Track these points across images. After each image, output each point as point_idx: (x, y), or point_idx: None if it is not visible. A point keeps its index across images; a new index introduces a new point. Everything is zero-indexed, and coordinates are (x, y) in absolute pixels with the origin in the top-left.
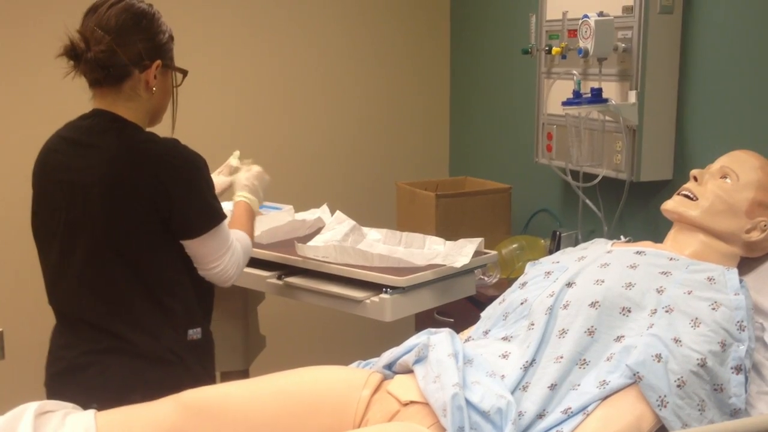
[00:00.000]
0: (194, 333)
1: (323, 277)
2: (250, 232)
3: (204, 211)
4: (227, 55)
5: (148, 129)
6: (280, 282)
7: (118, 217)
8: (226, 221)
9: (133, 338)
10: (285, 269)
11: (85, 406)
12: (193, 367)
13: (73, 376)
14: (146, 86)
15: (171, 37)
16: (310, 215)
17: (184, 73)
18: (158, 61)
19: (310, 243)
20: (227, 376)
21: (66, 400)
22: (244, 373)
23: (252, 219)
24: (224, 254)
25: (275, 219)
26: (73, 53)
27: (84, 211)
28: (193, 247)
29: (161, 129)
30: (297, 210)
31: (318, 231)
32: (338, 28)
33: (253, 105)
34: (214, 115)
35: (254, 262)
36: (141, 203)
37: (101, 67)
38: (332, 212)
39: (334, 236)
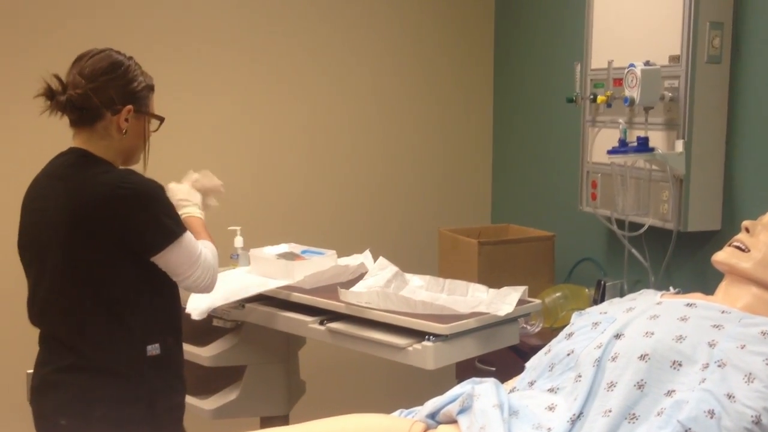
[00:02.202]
0: (153, 349)
1: (366, 323)
2: (210, 238)
3: (158, 231)
4: (278, 97)
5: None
6: (322, 327)
7: (79, 242)
8: (188, 237)
9: (94, 355)
10: (327, 315)
11: (55, 425)
12: (152, 381)
13: (46, 393)
14: (118, 128)
15: (149, 87)
16: (353, 261)
17: (161, 119)
18: (129, 106)
19: (353, 289)
20: (267, 422)
21: (42, 415)
22: (284, 419)
23: (201, 226)
24: (194, 264)
25: (318, 264)
26: (49, 93)
27: (51, 236)
28: (161, 263)
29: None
30: (340, 255)
31: (361, 277)
32: (383, 75)
33: (298, 151)
34: (261, 159)
35: (296, 307)
36: (99, 228)
37: (77, 108)
38: (375, 258)
39: (377, 282)
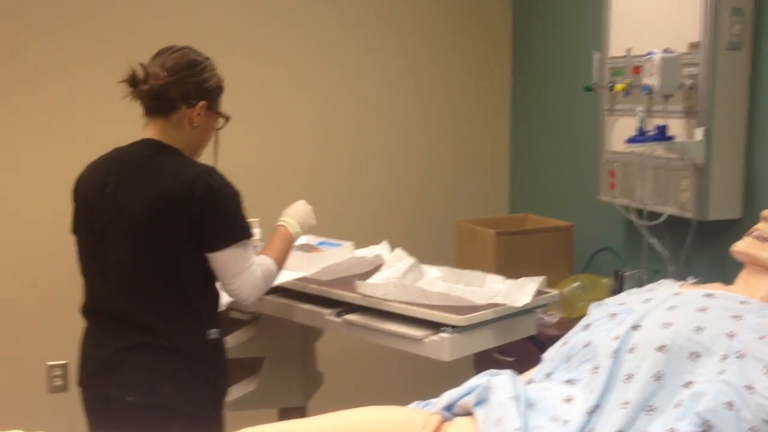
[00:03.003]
0: (214, 333)
1: (382, 314)
2: (278, 257)
3: (225, 229)
4: (295, 90)
5: None
6: (338, 319)
7: (158, 226)
8: (250, 245)
9: (165, 332)
10: (344, 306)
11: (121, 401)
12: (214, 363)
13: (109, 374)
14: (190, 121)
15: (220, 87)
16: (369, 252)
17: (227, 118)
18: (203, 102)
19: (370, 280)
20: (285, 413)
21: (102, 396)
22: (301, 410)
23: (285, 243)
24: (241, 273)
25: (335, 256)
26: (133, 81)
27: (129, 220)
28: (213, 261)
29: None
30: (357, 246)
31: (377, 268)
32: (399, 66)
33: (315, 143)
34: (278, 151)
35: (313, 299)
36: (177, 216)
37: (155, 98)
38: (392, 249)
39: (394, 274)
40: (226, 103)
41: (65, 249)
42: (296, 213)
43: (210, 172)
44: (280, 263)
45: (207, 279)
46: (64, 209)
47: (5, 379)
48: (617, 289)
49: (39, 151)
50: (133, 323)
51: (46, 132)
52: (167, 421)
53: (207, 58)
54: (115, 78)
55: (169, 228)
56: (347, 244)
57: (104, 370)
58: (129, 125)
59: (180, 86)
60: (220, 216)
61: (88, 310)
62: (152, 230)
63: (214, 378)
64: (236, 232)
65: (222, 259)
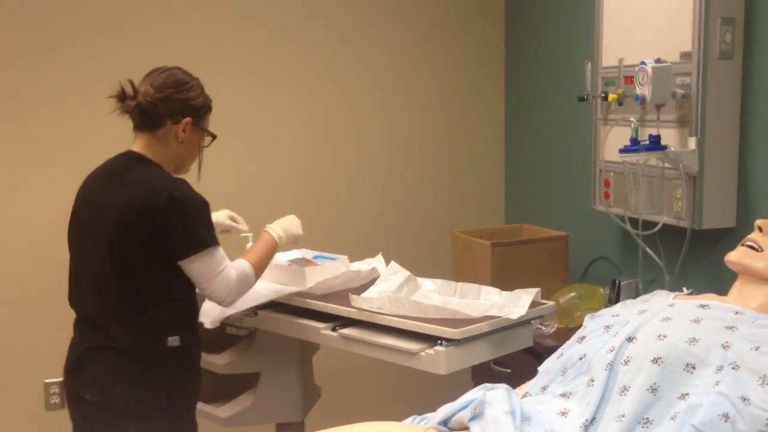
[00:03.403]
0: (173, 340)
1: (378, 328)
2: (256, 261)
3: (190, 239)
4: (288, 102)
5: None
6: (334, 333)
7: (124, 236)
8: (217, 251)
9: (122, 336)
10: (340, 320)
11: (82, 399)
12: (170, 370)
13: (78, 371)
14: (176, 136)
15: (207, 106)
16: (365, 265)
17: (213, 136)
18: (188, 119)
19: (365, 294)
20: (283, 428)
21: (71, 393)
22: (299, 425)
23: (267, 249)
24: (214, 278)
25: (330, 270)
26: (122, 96)
27: (101, 229)
28: (185, 268)
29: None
30: (352, 259)
31: (373, 282)
32: (392, 77)
33: (308, 155)
34: (270, 164)
35: (309, 313)
36: (140, 225)
37: (142, 113)
38: (387, 261)
39: (389, 287)
40: (219, 114)
41: (62, 266)
42: (282, 221)
43: (176, 183)
44: (258, 266)
45: (170, 288)
46: (61, 226)
47: (2, 397)
48: (614, 299)
49: (38, 168)
50: (98, 325)
51: (45, 146)
52: (123, 421)
53: (195, 78)
54: (105, 99)
55: (131, 237)
56: (342, 258)
57: (75, 368)
58: (126, 139)
59: (167, 103)
60: (183, 226)
61: (74, 311)
62: (116, 238)
63: (167, 384)
64: (200, 241)
65: (191, 268)
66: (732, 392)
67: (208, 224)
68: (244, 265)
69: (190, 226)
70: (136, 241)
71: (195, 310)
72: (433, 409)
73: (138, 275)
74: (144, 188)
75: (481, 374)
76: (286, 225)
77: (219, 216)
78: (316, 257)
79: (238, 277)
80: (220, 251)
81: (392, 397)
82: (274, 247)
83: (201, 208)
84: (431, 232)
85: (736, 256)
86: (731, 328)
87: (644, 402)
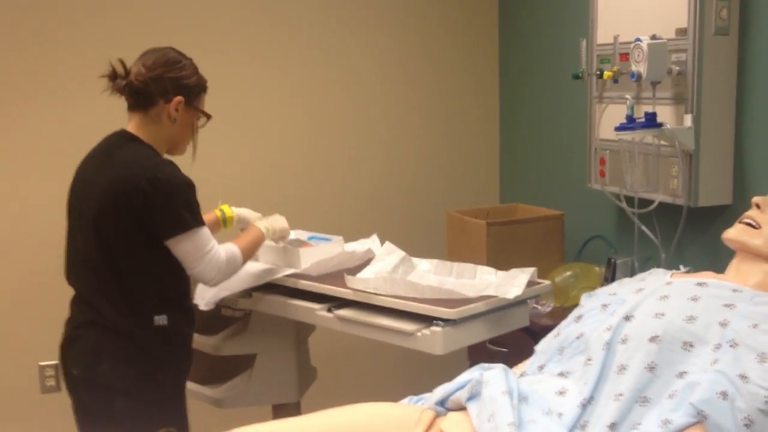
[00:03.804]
0: (160, 319)
1: (373, 309)
2: (244, 247)
3: (173, 220)
4: (284, 83)
5: (167, 157)
6: (330, 314)
7: (108, 215)
8: (202, 232)
9: (108, 313)
10: (335, 301)
11: (72, 374)
12: (157, 348)
13: (69, 347)
14: (168, 115)
15: (200, 86)
16: (359, 246)
17: (208, 116)
18: (180, 97)
19: (360, 275)
20: (279, 409)
21: (64, 368)
22: (296, 406)
23: (254, 238)
24: (201, 258)
25: (325, 251)
26: (113, 76)
27: (89, 206)
28: (171, 248)
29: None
30: (347, 240)
31: (368, 262)
32: (387, 57)
33: (303, 137)
34: (265, 146)
35: (304, 294)
36: (125, 206)
37: (134, 93)
38: (382, 242)
39: (384, 268)
40: (216, 100)
41: (57, 249)
42: (268, 218)
43: (161, 165)
44: (246, 252)
45: (155, 268)
46: (56, 210)
47: None
48: (610, 277)
49: (31, 154)
50: (89, 302)
51: (42, 133)
52: (109, 396)
53: (188, 58)
54: (105, 79)
55: (114, 216)
56: (338, 239)
57: (66, 344)
58: (123, 121)
59: (158, 82)
60: (165, 207)
61: (72, 287)
62: (99, 217)
63: (154, 362)
64: (182, 222)
65: (176, 248)
66: (730, 370)
67: (193, 205)
68: (232, 247)
69: (173, 208)
70: (118, 220)
71: (185, 290)
72: (430, 390)
73: (122, 255)
74: (128, 169)
75: (478, 354)
76: (272, 220)
77: (242, 212)
78: (310, 238)
79: (227, 257)
80: (206, 231)
81: (388, 378)
82: (261, 238)
83: (185, 189)
84: (426, 213)
85: (734, 234)
86: (729, 306)
87: (642, 381)
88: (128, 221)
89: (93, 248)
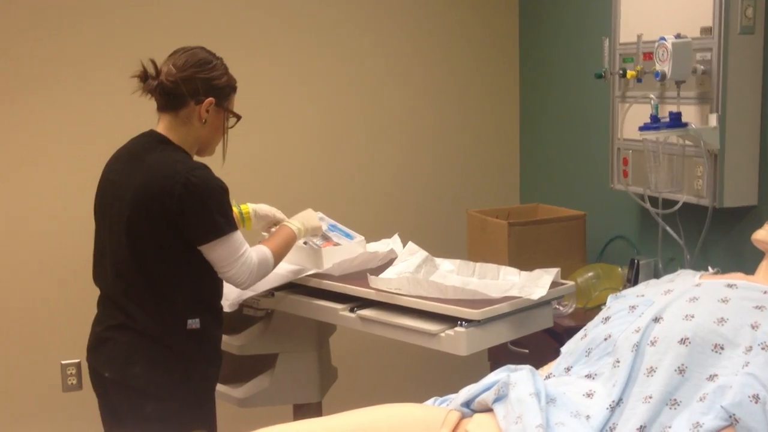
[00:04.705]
0: (193, 323)
1: (396, 309)
2: (276, 249)
3: (208, 225)
4: (303, 84)
5: (196, 158)
6: (352, 315)
7: (140, 218)
8: (236, 236)
9: (139, 317)
10: (357, 302)
11: (102, 376)
12: (190, 352)
13: (98, 349)
14: (199, 117)
15: (230, 86)
16: (382, 246)
17: (238, 117)
18: (211, 98)
19: (383, 275)
20: (300, 409)
21: (93, 370)
22: (317, 406)
23: (286, 238)
24: (234, 262)
25: (347, 251)
26: (144, 76)
27: (120, 208)
28: (205, 253)
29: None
30: (367, 240)
31: (390, 262)
32: (406, 56)
33: (323, 135)
34: (287, 144)
35: (326, 294)
36: (158, 210)
37: (164, 94)
38: (404, 242)
39: (407, 268)
40: (237, 99)
41: (79, 249)
42: (299, 215)
43: (194, 168)
44: (277, 254)
45: (188, 272)
46: (78, 210)
47: (20, 379)
48: (632, 278)
49: (54, 153)
50: (118, 305)
51: (64, 132)
52: (140, 399)
53: (218, 58)
54: (129, 79)
55: (146, 220)
56: (359, 239)
57: (95, 346)
58: (151, 120)
59: (189, 83)
60: (200, 212)
61: (98, 288)
62: (132, 221)
63: (186, 366)
64: (217, 228)
65: (210, 253)
66: (762, 373)
67: (227, 210)
68: (264, 249)
69: (206, 212)
70: (150, 225)
71: (217, 292)
72: (452, 391)
73: (154, 259)
74: (161, 172)
75: (498, 355)
76: (304, 218)
77: (263, 208)
78: (331, 227)
79: (258, 261)
80: (239, 236)
81: (409, 379)
82: (293, 238)
83: (220, 194)
84: (446, 213)
85: (763, 234)
86: (760, 307)
87: (672, 383)
88: (162, 226)
89: (124, 252)
